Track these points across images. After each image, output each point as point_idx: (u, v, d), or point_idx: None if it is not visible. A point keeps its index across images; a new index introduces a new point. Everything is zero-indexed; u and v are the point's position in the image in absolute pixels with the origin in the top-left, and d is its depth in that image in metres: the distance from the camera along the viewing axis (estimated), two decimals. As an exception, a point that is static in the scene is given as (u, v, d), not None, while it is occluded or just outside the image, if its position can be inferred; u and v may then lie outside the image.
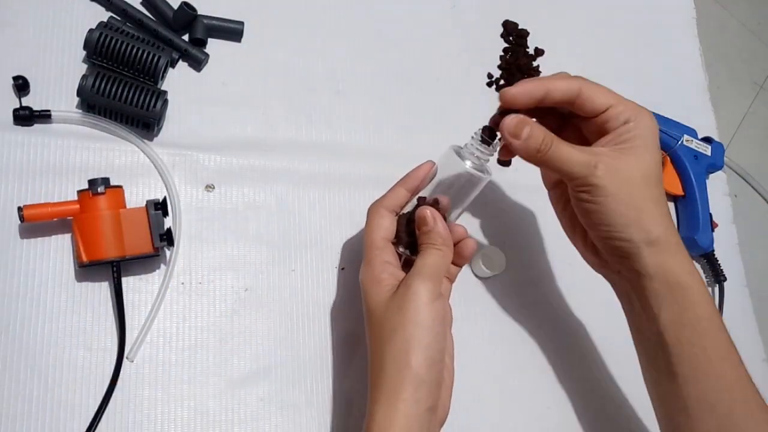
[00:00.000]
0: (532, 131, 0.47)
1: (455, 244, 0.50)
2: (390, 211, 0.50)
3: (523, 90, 0.48)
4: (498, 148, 0.50)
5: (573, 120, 0.51)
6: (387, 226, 0.50)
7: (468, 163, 0.49)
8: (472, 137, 0.50)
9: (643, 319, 0.49)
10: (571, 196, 0.50)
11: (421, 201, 0.50)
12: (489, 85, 0.71)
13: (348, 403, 0.55)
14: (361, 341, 0.54)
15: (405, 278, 0.47)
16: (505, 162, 0.55)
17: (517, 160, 0.50)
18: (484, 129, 0.49)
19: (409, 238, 0.50)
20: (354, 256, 0.59)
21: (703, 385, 0.47)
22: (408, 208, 0.51)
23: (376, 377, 0.45)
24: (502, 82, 0.71)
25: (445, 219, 0.49)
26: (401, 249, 0.50)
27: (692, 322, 0.47)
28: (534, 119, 0.49)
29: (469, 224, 0.64)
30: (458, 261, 0.51)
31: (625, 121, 0.48)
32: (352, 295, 0.58)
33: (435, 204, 0.50)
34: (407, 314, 0.44)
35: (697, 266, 0.73)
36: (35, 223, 0.50)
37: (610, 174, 0.46)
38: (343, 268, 0.59)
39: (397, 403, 0.43)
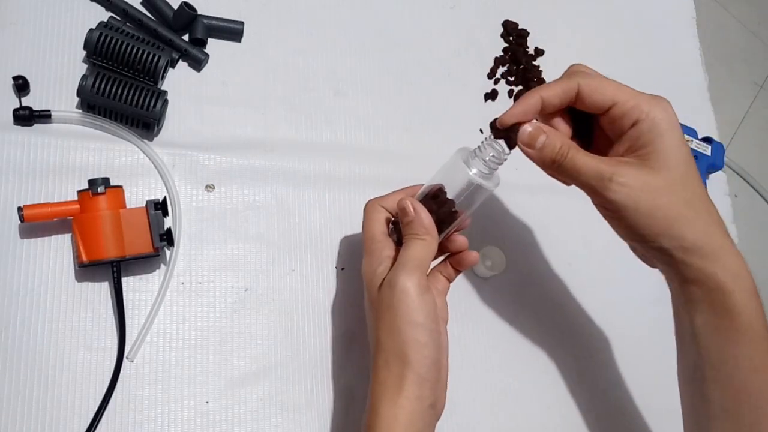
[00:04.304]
0: (548, 141, 0.45)
1: (456, 254, 0.50)
2: (386, 210, 0.50)
3: (516, 113, 0.46)
4: (507, 157, 0.47)
5: (599, 122, 0.48)
6: (384, 221, 0.50)
7: (474, 171, 0.46)
8: (483, 141, 0.47)
9: (681, 318, 0.47)
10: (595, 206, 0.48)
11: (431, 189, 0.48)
12: (490, 81, 0.71)
13: (348, 402, 0.55)
14: (360, 340, 0.54)
15: (390, 273, 0.46)
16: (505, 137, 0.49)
17: (517, 159, 0.49)
18: (496, 133, 0.47)
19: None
20: (353, 257, 0.59)
21: (730, 394, 0.45)
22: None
23: (380, 373, 0.45)
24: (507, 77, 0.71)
25: (449, 220, 0.48)
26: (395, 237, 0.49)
27: (727, 329, 0.44)
28: (550, 127, 0.47)
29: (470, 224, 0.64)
30: (458, 267, 0.51)
31: (635, 121, 0.44)
32: (351, 295, 0.58)
33: (438, 192, 0.48)
34: (399, 312, 0.44)
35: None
36: (35, 223, 0.50)
37: (628, 188, 0.43)
38: (342, 268, 0.59)
39: (401, 400, 0.43)
